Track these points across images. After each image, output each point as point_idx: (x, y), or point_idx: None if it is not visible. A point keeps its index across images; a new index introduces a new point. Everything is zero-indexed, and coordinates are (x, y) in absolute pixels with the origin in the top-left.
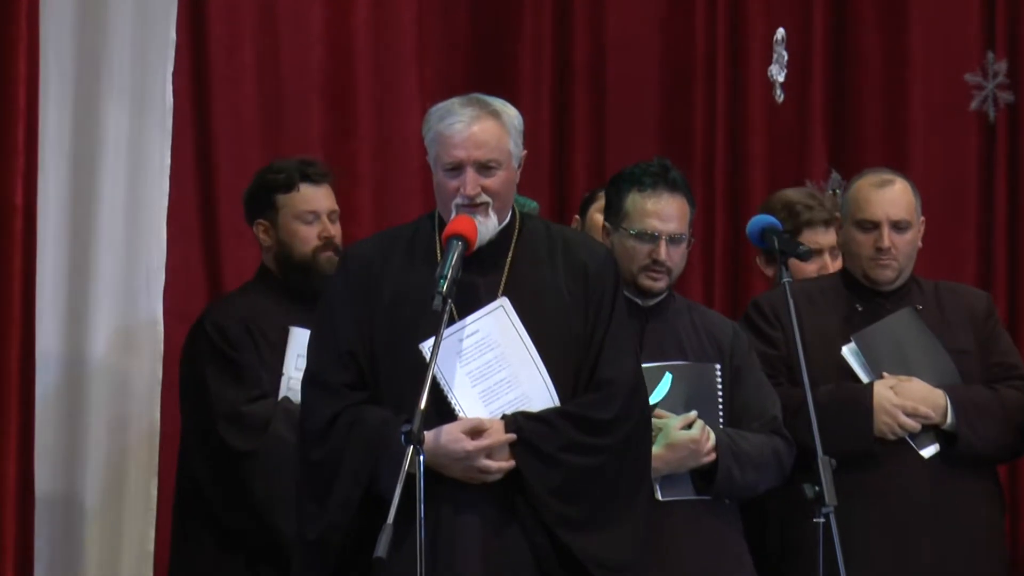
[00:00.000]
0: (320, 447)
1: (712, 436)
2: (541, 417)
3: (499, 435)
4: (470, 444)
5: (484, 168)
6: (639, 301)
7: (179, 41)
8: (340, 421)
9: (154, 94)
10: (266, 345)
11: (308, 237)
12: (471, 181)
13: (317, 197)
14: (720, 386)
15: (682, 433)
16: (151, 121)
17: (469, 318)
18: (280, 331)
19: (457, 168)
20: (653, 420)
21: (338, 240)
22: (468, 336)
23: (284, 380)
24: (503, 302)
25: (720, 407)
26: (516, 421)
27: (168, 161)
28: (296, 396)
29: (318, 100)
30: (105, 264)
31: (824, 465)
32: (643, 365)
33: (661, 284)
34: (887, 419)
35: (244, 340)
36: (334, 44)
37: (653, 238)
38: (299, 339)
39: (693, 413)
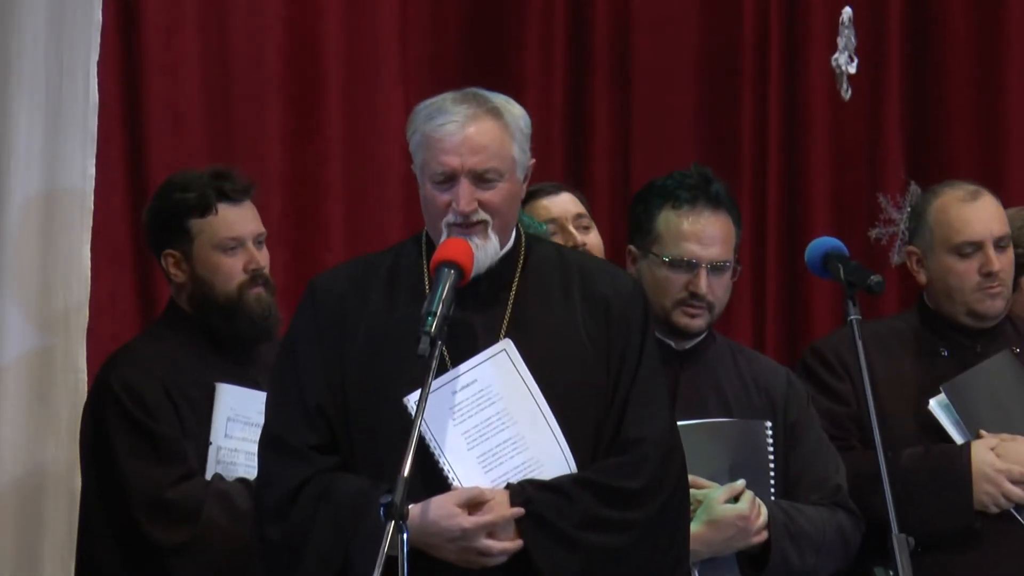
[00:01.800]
0: (281, 524)
1: (764, 511)
2: (555, 486)
3: (503, 509)
4: (467, 520)
5: (481, 179)
6: (672, 343)
7: (105, 22)
8: (306, 492)
9: (75, 87)
10: (188, 409)
11: (232, 271)
12: (465, 195)
13: (240, 219)
14: (772, 448)
15: (727, 507)
16: (70, 120)
17: (464, 365)
18: (203, 389)
19: (449, 179)
20: (691, 491)
21: (267, 271)
22: (463, 387)
23: (212, 451)
24: (506, 345)
25: (772, 474)
26: (524, 491)
27: (92, 170)
28: (229, 471)
29: (276, 93)
30: (12, 297)
31: (900, 544)
32: (678, 423)
33: (700, 322)
34: (990, 488)
35: (163, 405)
36: (296, 24)
37: (691, 266)
38: (228, 399)
39: (740, 482)
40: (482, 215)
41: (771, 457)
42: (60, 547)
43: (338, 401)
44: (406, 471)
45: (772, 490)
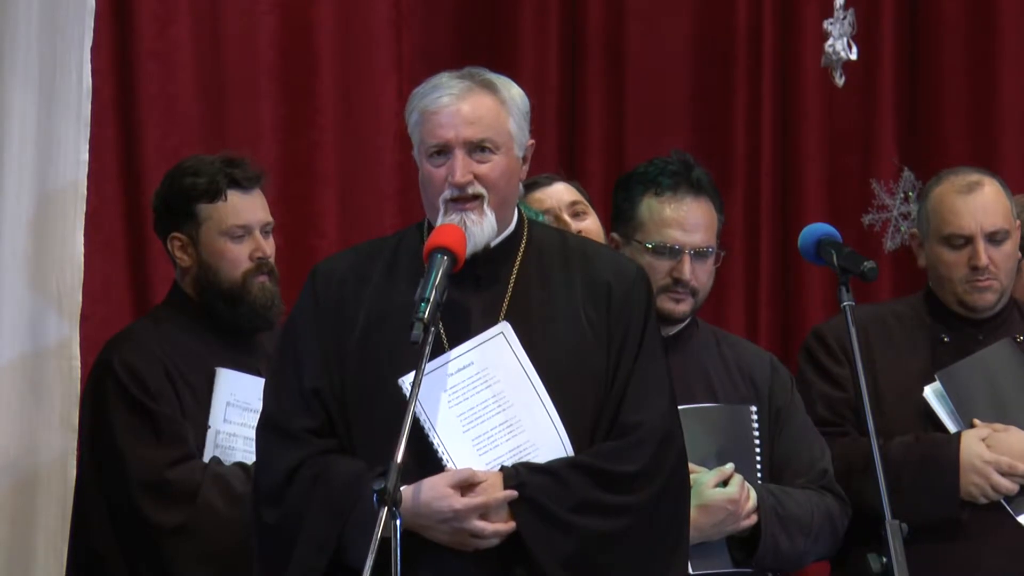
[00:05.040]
0: (276, 507)
1: (753, 495)
2: (549, 469)
3: (496, 491)
4: (458, 501)
5: (477, 150)
6: None
7: (99, 8)
8: (301, 474)
9: (68, 73)
10: (188, 392)
11: (238, 258)
12: (460, 165)
13: (248, 207)
14: (757, 433)
15: (716, 492)
16: (64, 107)
17: (461, 347)
18: (203, 374)
19: (443, 152)
20: None
21: (273, 260)
22: (460, 369)
23: (211, 435)
24: (504, 328)
25: (758, 459)
26: (518, 474)
27: (85, 156)
28: (227, 455)
29: (269, 81)
30: (5, 284)
31: (893, 531)
32: None
33: (684, 307)
34: (977, 479)
35: (164, 387)
36: (289, 11)
37: (674, 252)
38: (227, 384)
39: (729, 466)
40: (478, 188)
41: (757, 442)
42: (53, 535)
43: (336, 385)
44: (399, 457)
45: (759, 475)
